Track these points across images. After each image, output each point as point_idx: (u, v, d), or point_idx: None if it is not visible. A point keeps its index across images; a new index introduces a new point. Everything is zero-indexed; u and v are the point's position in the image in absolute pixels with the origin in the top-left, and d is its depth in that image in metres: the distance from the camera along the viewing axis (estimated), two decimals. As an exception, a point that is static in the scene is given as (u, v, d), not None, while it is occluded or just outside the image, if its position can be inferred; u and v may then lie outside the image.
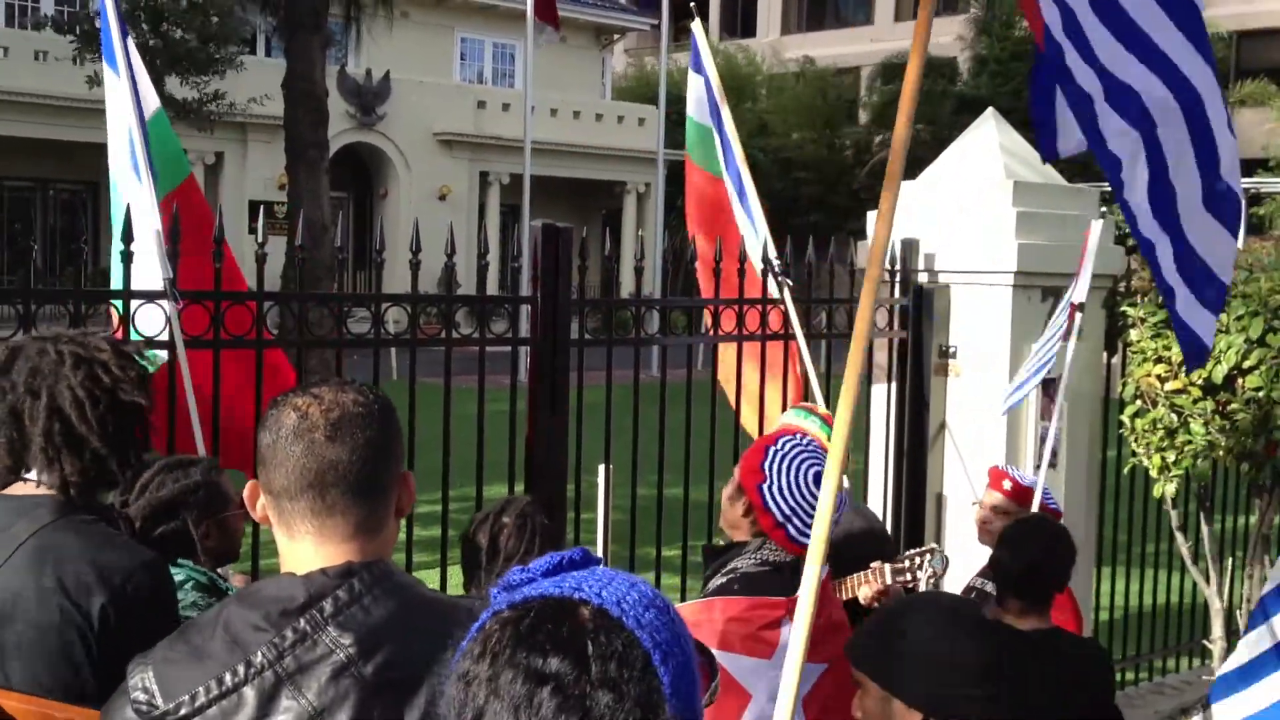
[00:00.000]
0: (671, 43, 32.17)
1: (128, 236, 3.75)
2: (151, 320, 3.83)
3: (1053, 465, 5.85)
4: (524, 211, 19.35)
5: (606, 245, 5.04)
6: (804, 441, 3.18)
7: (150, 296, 3.79)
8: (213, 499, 3.02)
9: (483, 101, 30.16)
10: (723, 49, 40.56)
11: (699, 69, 5.82)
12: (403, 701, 1.62)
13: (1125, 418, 6.00)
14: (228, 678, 1.61)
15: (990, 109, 6.40)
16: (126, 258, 3.75)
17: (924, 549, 3.68)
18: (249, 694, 1.60)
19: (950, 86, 33.97)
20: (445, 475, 4.50)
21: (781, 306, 5.34)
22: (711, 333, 5.33)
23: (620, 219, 30.74)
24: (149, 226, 3.86)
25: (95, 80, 13.43)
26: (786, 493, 3.05)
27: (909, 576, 3.59)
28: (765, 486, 3.03)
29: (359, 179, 29.28)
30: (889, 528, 5.84)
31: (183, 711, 1.60)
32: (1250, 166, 30.48)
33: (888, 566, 3.63)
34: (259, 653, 1.62)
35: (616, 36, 36.57)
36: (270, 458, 1.76)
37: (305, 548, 1.75)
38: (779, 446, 3.15)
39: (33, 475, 2.26)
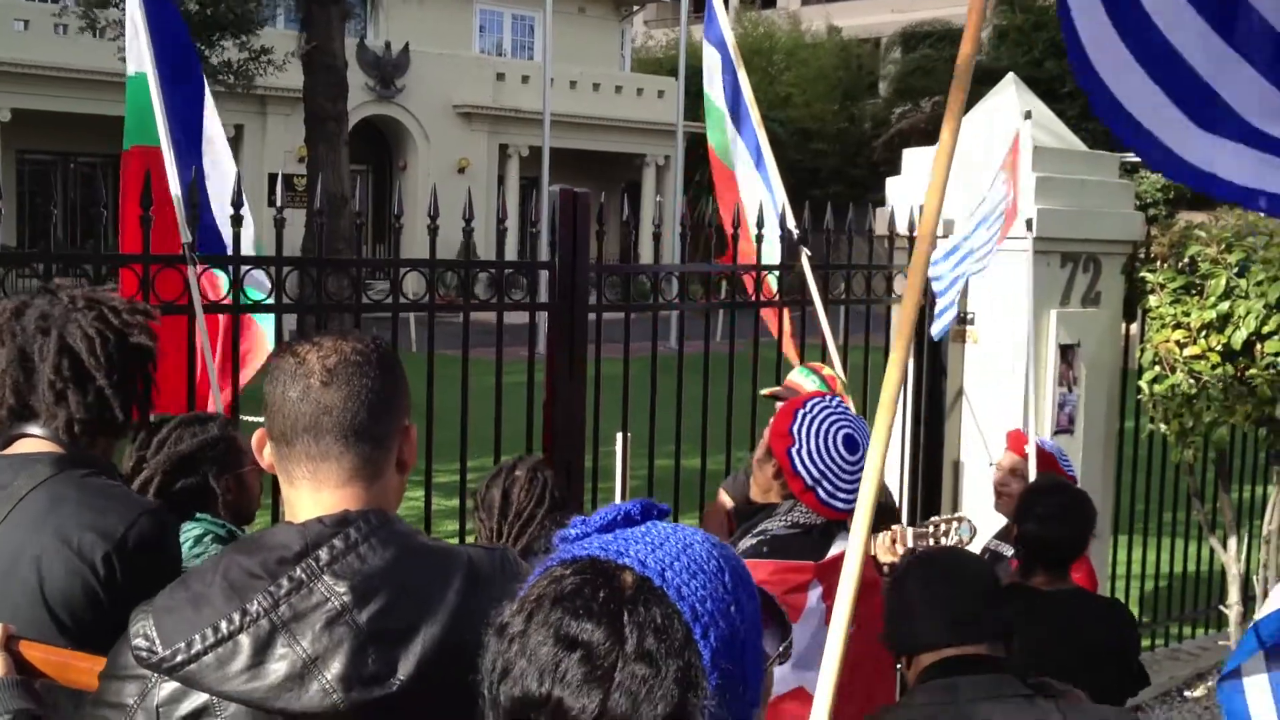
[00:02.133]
0: (691, 14, 32.01)
1: (147, 201, 3.77)
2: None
3: (1070, 431, 5.86)
4: (543, 183, 19.32)
5: (625, 212, 5.04)
6: (834, 403, 3.18)
7: (170, 260, 3.82)
8: (230, 454, 3.05)
9: (501, 74, 30.10)
10: (744, 19, 40.36)
11: (717, 42, 5.74)
12: (398, 648, 1.64)
13: (1143, 384, 5.99)
14: (223, 625, 1.63)
15: (1011, 74, 6.37)
16: (147, 223, 3.77)
17: (952, 516, 3.69)
18: (244, 641, 1.62)
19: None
20: (463, 443, 4.52)
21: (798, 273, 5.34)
22: (729, 299, 5.34)
23: (640, 191, 30.68)
24: (171, 190, 3.88)
25: (121, 53, 13.47)
26: (816, 455, 3.04)
27: (930, 541, 3.60)
28: (794, 450, 3.03)
29: (378, 151, 29.29)
30: (906, 494, 5.86)
31: (179, 658, 1.62)
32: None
33: (910, 530, 3.64)
34: (255, 600, 1.64)
35: (636, 8, 36.40)
36: (270, 403, 1.78)
37: (302, 494, 1.77)
38: (807, 409, 3.15)
39: (35, 430, 2.29)
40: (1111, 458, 6.19)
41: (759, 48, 38.25)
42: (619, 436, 4.84)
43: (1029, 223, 5.37)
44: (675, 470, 5.00)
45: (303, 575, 1.66)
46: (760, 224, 5.26)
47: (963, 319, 5.92)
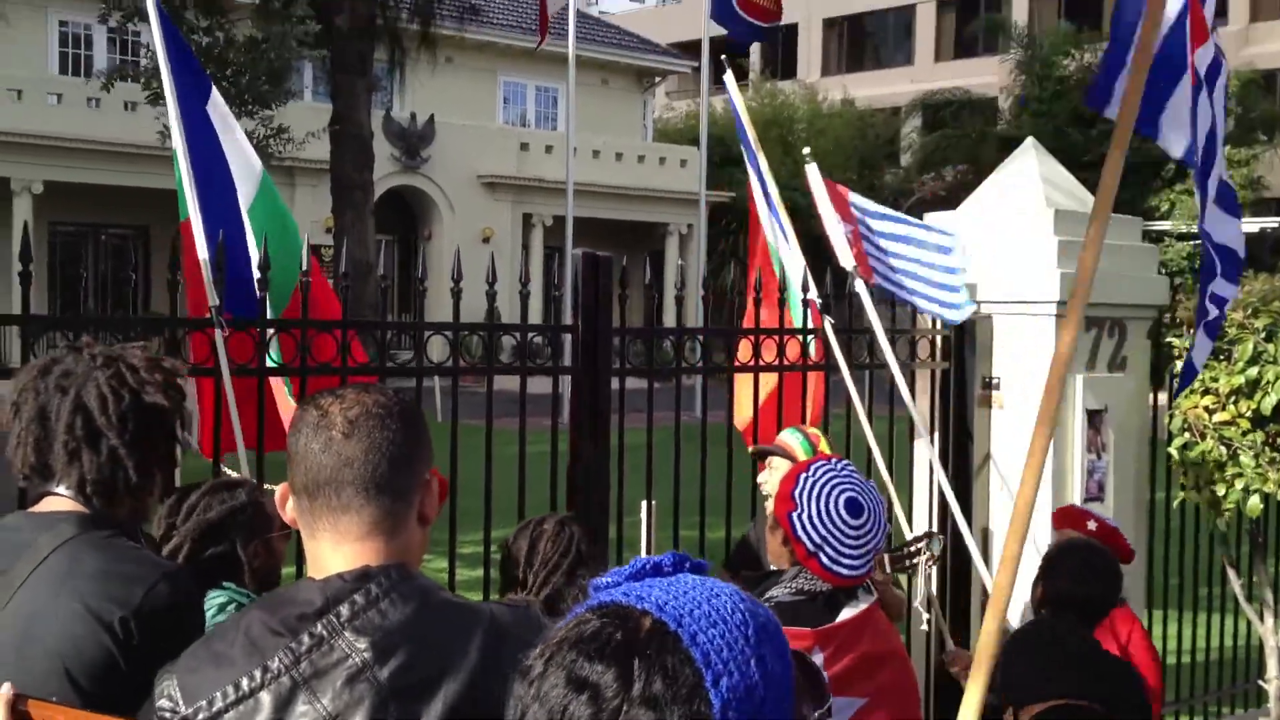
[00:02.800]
0: (712, 85, 32.23)
1: (175, 265, 3.80)
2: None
3: (1099, 499, 5.79)
4: (567, 251, 19.46)
5: (648, 275, 5.05)
6: (838, 466, 3.14)
7: (198, 324, 3.84)
8: (258, 520, 3.04)
9: (525, 144, 30.43)
10: (764, 89, 40.74)
11: (741, 135, 5.89)
12: (419, 704, 1.63)
13: (1173, 450, 5.92)
14: (244, 683, 1.62)
15: (1030, 139, 6.39)
16: (174, 286, 3.80)
17: (921, 534, 3.69)
18: (265, 699, 1.61)
19: (991, 128, 33.93)
20: (487, 511, 4.50)
21: (821, 338, 5.33)
22: (754, 363, 5.32)
23: (663, 260, 30.82)
24: (199, 255, 3.91)
25: (153, 124, 13.66)
26: (818, 520, 2.99)
27: (906, 563, 3.59)
28: (796, 515, 2.99)
29: (404, 222, 29.56)
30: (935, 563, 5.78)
31: (200, 716, 1.61)
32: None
33: (886, 555, 3.63)
34: (275, 658, 1.63)
35: (658, 79, 36.83)
36: (294, 455, 1.78)
37: (323, 547, 1.76)
38: (810, 472, 3.11)
39: (60, 489, 2.29)
40: (1143, 526, 6.10)
41: (776, 118, 38.60)
42: (644, 505, 4.83)
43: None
44: (700, 540, 4.97)
45: (323, 631, 1.65)
46: (783, 288, 5.27)
47: (988, 384, 5.88)
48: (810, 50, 48.70)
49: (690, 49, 33.66)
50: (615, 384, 4.78)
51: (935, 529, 5.75)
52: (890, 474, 5.34)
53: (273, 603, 1.76)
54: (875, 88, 44.37)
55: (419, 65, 20.57)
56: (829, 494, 3.02)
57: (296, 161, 23.44)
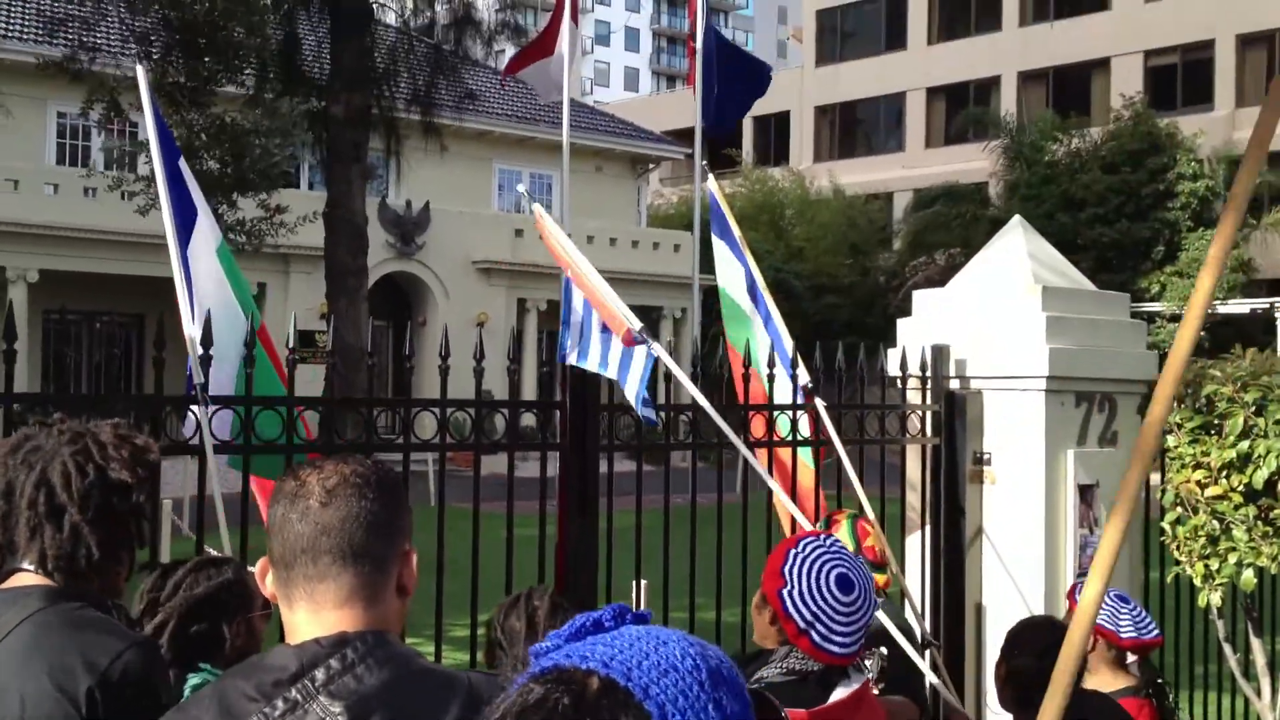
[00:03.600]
0: (705, 171, 32.48)
1: (160, 344, 3.80)
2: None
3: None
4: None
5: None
6: (828, 542, 3.10)
7: (182, 401, 3.83)
8: (241, 597, 3.01)
9: (520, 230, 30.66)
10: (755, 176, 41.20)
11: (722, 232, 5.76)
12: None
13: (1166, 525, 5.90)
14: None
15: (1017, 217, 6.44)
16: (159, 364, 3.80)
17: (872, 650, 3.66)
18: None
19: (982, 210, 34.28)
20: (474, 588, 4.46)
21: (811, 413, 5.33)
22: (744, 439, 5.31)
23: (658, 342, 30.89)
24: (187, 331, 3.92)
25: (143, 211, 13.77)
26: (808, 597, 2.92)
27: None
28: (786, 591, 2.93)
29: (399, 308, 29.67)
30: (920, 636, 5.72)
31: None
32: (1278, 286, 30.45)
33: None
34: None
35: (652, 166, 37.23)
36: (272, 525, 1.78)
37: (300, 616, 1.75)
38: (800, 549, 3.06)
39: (26, 565, 2.27)
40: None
41: (766, 203, 39.00)
42: (635, 585, 4.78)
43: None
44: (690, 621, 4.91)
45: (298, 696, 1.63)
46: (770, 364, 5.28)
47: (979, 459, 5.87)
48: (802, 137, 49.32)
49: (683, 136, 34.07)
50: (606, 466, 4.76)
51: (927, 624, 5.69)
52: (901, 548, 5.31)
53: (248, 669, 1.74)
54: (867, 174, 44.89)
55: (415, 153, 20.81)
56: (819, 570, 2.96)
57: (291, 248, 23.64)
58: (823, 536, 3.17)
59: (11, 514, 2.27)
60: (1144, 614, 3.87)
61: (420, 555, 3.85)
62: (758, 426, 5.29)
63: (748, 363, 5.28)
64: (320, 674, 1.66)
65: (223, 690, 1.69)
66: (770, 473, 5.31)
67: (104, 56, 13.60)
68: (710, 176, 6.04)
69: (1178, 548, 5.83)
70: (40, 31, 19.34)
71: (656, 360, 4.39)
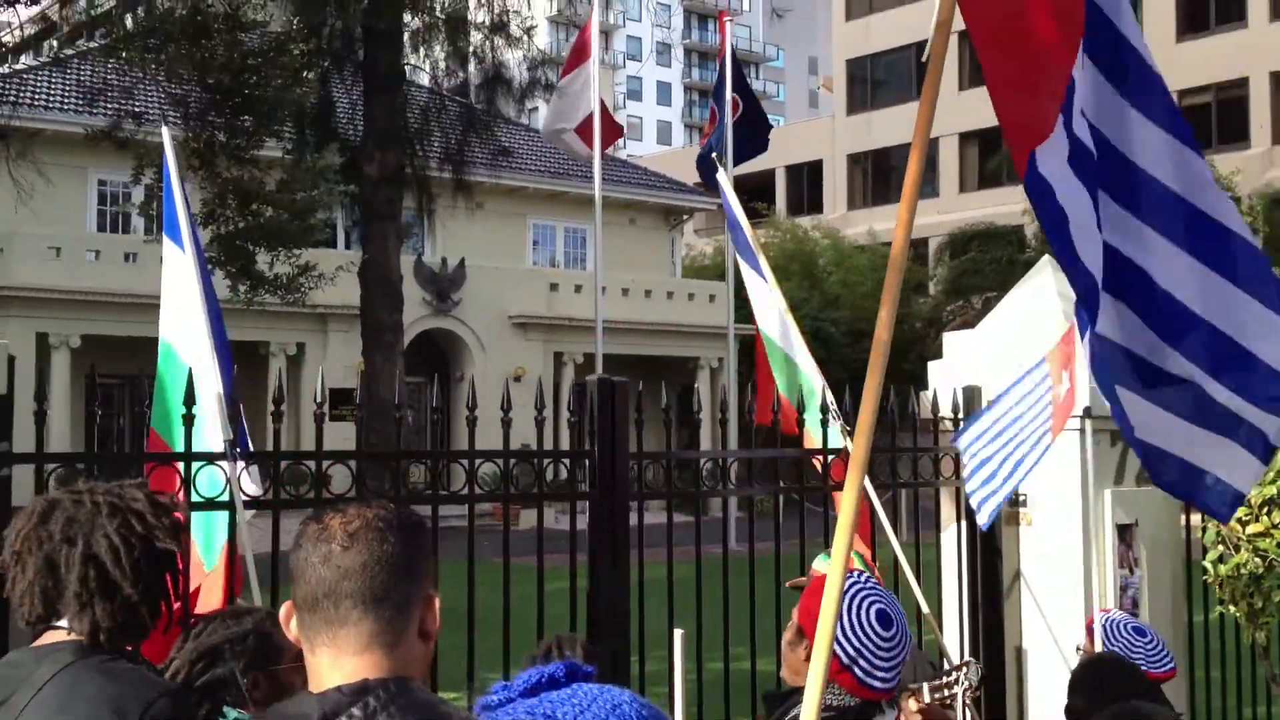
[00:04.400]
0: (715, 164, 32.41)
1: (189, 400, 3.84)
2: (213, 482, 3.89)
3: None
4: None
5: (664, 399, 5.06)
6: (864, 580, 3.08)
7: (210, 458, 3.86)
8: (263, 649, 3.00)
9: (555, 284, 30.82)
10: (788, 226, 41.29)
11: (753, 265, 5.78)
12: None
13: (1208, 564, 5.80)
14: None
15: (1047, 256, 6.41)
16: (188, 420, 3.83)
17: (959, 663, 3.59)
18: None
19: (1018, 254, 34.14)
20: (506, 639, 4.44)
21: (843, 457, 5.29)
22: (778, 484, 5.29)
23: (694, 394, 30.88)
24: (210, 390, 3.95)
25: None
26: (850, 632, 2.90)
27: (945, 692, 3.49)
28: None
29: (436, 364, 29.82)
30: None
31: None
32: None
33: (925, 685, 3.54)
34: None
35: (685, 217, 37.38)
36: (294, 570, 1.78)
37: (322, 661, 1.75)
38: None
39: (63, 624, 2.29)
40: (1181, 640, 5.94)
41: (799, 252, 39.06)
42: (678, 634, 4.71)
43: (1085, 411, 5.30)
44: (725, 672, 4.86)
45: None
46: (802, 409, 5.26)
47: (1015, 501, 5.80)
48: (835, 185, 49.40)
49: (717, 185, 34.32)
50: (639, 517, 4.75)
51: (969, 655, 5.63)
52: (923, 594, 5.25)
53: (272, 716, 1.74)
54: (901, 219, 44.74)
55: (450, 210, 21.01)
56: (859, 606, 2.95)
57: (329, 307, 23.89)
58: (858, 573, 3.15)
59: (56, 588, 2.29)
60: (1160, 646, 3.83)
61: (453, 609, 3.84)
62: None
63: (802, 409, 5.26)
64: None
65: None
66: (802, 517, 5.28)
67: (146, 123, 13.85)
68: (721, 171, 6.04)
69: (1220, 586, 5.73)
70: (80, 101, 19.71)
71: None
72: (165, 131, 4.53)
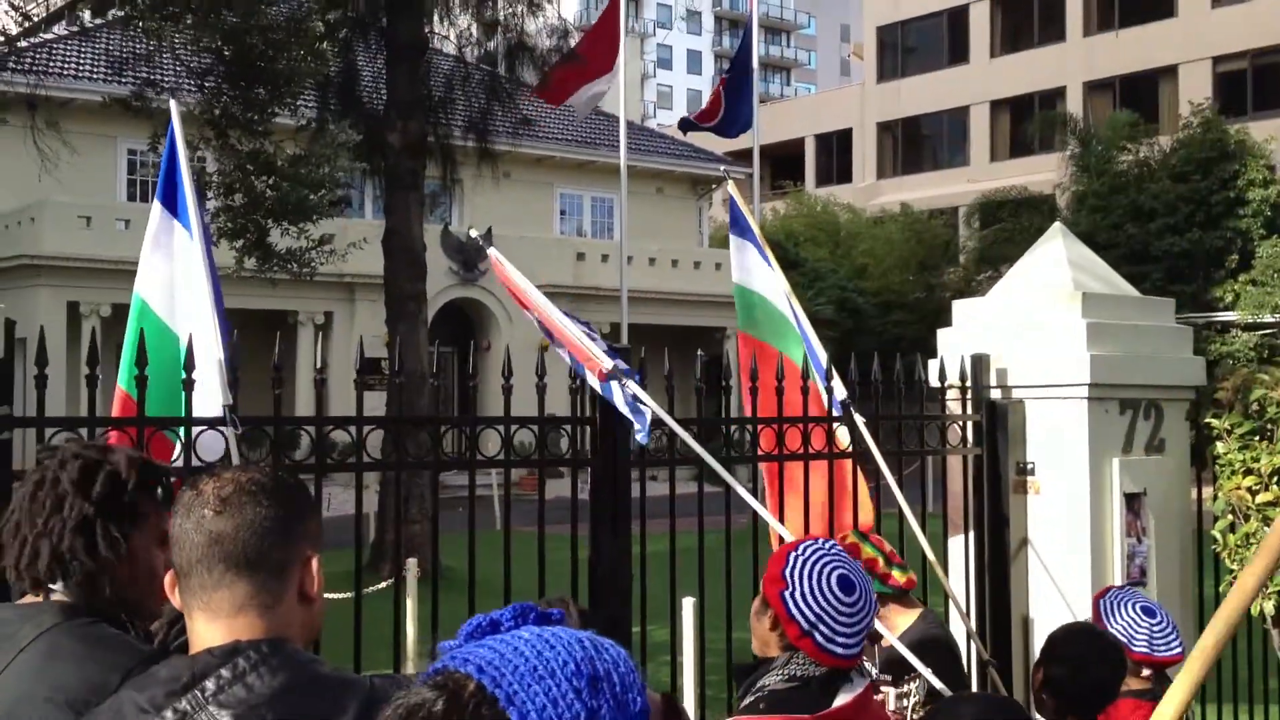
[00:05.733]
0: (769, 190, 32.27)
1: (189, 365, 3.88)
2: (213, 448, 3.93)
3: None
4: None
5: (666, 367, 5.06)
6: (827, 545, 3.08)
7: (210, 423, 3.90)
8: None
9: (582, 253, 30.82)
10: (821, 195, 41.10)
11: (742, 232, 5.84)
12: None
13: (1217, 533, 5.78)
14: None
15: (1057, 223, 6.37)
16: (189, 385, 3.88)
17: (912, 675, 3.61)
18: None
19: (1049, 223, 33.80)
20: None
21: (846, 426, 5.29)
22: (776, 452, 5.29)
23: (721, 363, 30.89)
24: (212, 356, 3.99)
25: (215, 242, 14.00)
26: (810, 598, 2.90)
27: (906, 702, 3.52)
28: (788, 594, 2.92)
29: (463, 334, 29.92)
30: (974, 654, 5.65)
31: None
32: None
33: (891, 691, 3.56)
34: None
35: (714, 186, 37.27)
36: (173, 538, 1.81)
37: (199, 626, 1.78)
38: (800, 551, 3.05)
39: (56, 585, 2.32)
40: (1190, 612, 5.92)
41: (828, 222, 38.89)
42: (688, 603, 4.75)
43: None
44: (728, 642, 4.87)
45: (188, 707, 1.66)
46: (806, 376, 5.26)
47: (1022, 469, 5.79)
48: (865, 154, 49.07)
49: (745, 156, 34.16)
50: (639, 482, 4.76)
51: (974, 624, 5.62)
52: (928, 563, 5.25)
53: (144, 680, 1.78)
54: (932, 189, 44.54)
55: (474, 180, 21.02)
56: (821, 572, 2.95)
57: (356, 276, 24.00)
58: (822, 540, 3.15)
59: (33, 547, 2.31)
60: (1168, 628, 3.76)
61: (459, 576, 3.82)
62: (794, 439, 5.26)
63: (806, 375, 5.26)
64: (210, 684, 1.68)
65: (119, 704, 1.74)
66: (807, 481, 5.28)
67: (165, 91, 13.91)
68: (730, 181, 6.06)
69: (1229, 555, 5.70)
70: (108, 71, 19.81)
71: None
72: (173, 104, 4.56)
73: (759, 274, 5.78)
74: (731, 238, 5.91)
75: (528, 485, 19.06)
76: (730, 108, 19.18)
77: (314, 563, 1.85)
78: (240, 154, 12.94)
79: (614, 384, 4.42)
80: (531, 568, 4.49)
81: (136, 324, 4.16)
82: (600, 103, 19.79)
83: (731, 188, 5.97)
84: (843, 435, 5.31)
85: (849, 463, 5.29)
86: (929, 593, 5.29)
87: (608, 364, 4.43)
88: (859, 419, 5.25)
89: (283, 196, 12.99)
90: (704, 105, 20.31)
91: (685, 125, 20.20)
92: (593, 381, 4.58)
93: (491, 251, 5.23)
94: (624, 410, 4.39)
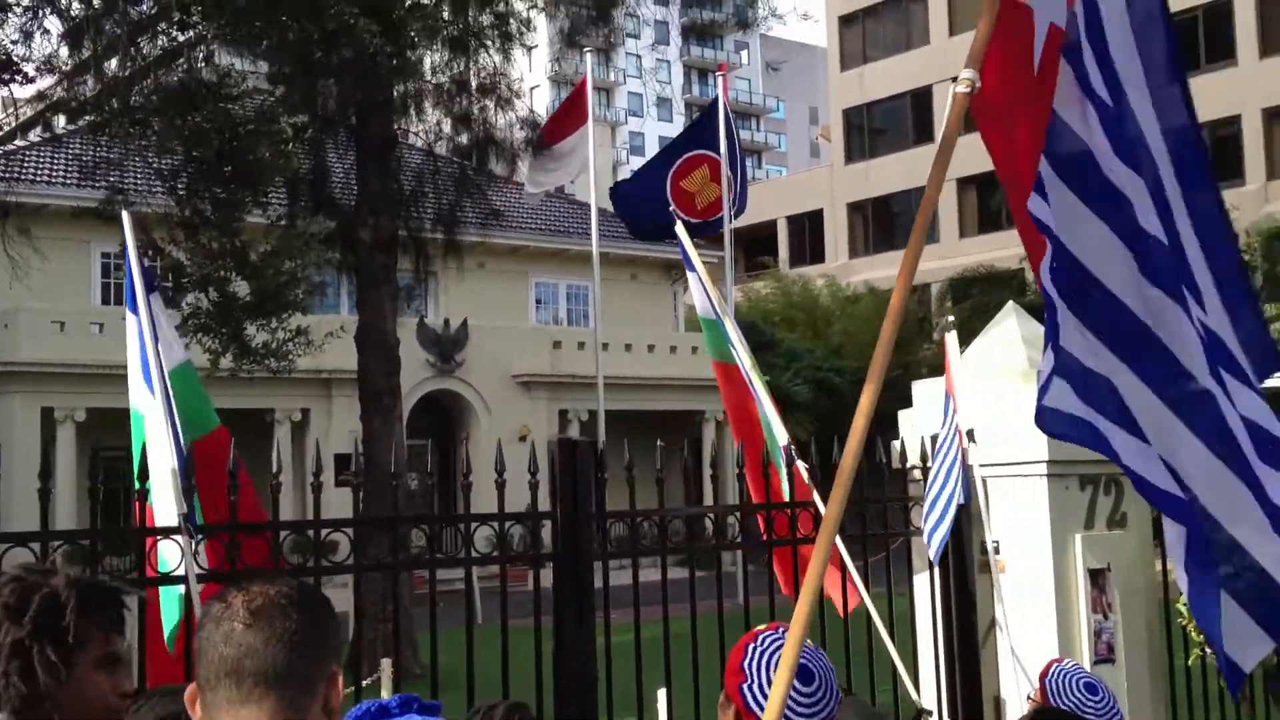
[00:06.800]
0: (741, 272, 32.27)
1: (143, 474, 3.89)
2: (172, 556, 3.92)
3: (1110, 660, 5.64)
4: (598, 447, 19.45)
5: (626, 457, 5.09)
6: (783, 634, 3.09)
7: (165, 532, 3.90)
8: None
9: (558, 341, 30.92)
10: (791, 277, 41.43)
11: (690, 267, 6.09)
12: None
13: (1181, 606, 5.79)
14: None
15: (1011, 303, 6.46)
16: (141, 495, 3.88)
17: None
18: None
19: (1019, 298, 34.11)
20: (469, 704, 4.45)
21: (812, 510, 5.32)
22: (739, 540, 5.31)
23: (701, 447, 30.86)
24: (166, 464, 4.00)
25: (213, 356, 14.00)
26: (769, 689, 2.91)
27: None
28: (747, 686, 2.92)
29: (442, 426, 29.86)
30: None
31: None
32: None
33: None
34: None
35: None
36: (198, 650, 1.80)
37: None
38: (759, 642, 3.05)
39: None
40: (1160, 687, 5.91)
41: (803, 303, 39.16)
42: (661, 694, 4.71)
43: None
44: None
45: None
46: (765, 461, 5.29)
47: (986, 548, 5.81)
48: (836, 234, 49.57)
49: (717, 240, 34.47)
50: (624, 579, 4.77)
51: (947, 706, 5.61)
52: (895, 645, 5.25)
53: None
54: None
55: (450, 272, 21.13)
56: (779, 662, 2.95)
57: (332, 372, 24.01)
58: (781, 629, 3.15)
59: None
60: (1110, 705, 3.77)
61: (426, 670, 3.73)
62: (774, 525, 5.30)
63: (766, 461, 5.30)
64: None
65: None
66: (771, 572, 5.30)
67: (135, 195, 14.01)
68: (679, 224, 6.22)
69: (1195, 628, 5.71)
70: (80, 176, 19.96)
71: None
72: (125, 216, 4.62)
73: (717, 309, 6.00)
74: (688, 273, 6.14)
75: (516, 577, 18.89)
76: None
77: (339, 677, 1.84)
78: (212, 253, 13.01)
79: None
80: (496, 663, 4.47)
81: (139, 437, 4.19)
82: (573, 187, 19.98)
83: (679, 228, 6.12)
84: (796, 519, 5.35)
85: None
86: (895, 678, 5.29)
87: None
88: (819, 502, 5.28)
89: (258, 289, 13.03)
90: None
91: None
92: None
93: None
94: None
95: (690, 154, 18.09)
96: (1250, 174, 37.70)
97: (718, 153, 20.54)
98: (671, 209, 18.42)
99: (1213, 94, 38.28)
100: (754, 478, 5.38)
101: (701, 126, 18.21)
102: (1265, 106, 37.42)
